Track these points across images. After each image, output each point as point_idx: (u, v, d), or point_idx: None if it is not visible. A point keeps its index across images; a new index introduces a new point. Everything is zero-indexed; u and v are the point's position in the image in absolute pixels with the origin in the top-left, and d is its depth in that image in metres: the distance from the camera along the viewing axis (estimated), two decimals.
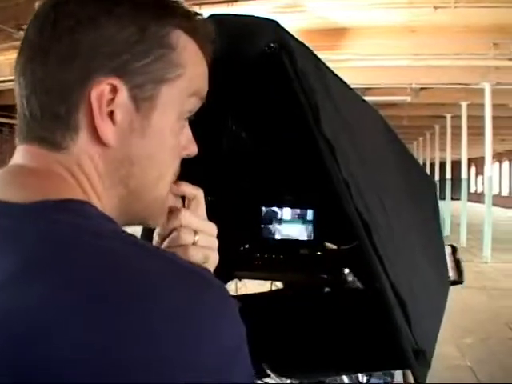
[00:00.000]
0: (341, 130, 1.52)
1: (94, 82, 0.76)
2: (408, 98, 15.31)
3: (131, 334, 0.60)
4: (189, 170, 1.70)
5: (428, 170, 28.57)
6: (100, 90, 0.76)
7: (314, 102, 1.34)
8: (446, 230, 21.38)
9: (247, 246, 2.52)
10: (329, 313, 2.21)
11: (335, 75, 1.73)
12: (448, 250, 2.77)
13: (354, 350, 2.02)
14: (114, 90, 0.77)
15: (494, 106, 15.04)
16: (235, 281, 2.94)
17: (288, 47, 1.31)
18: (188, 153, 0.91)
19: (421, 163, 32.09)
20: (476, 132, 16.58)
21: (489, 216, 14.94)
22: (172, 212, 0.94)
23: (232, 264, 2.45)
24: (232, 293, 2.90)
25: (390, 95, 15.18)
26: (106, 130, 0.77)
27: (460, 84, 14.45)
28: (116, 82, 0.77)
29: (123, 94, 0.77)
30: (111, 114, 0.78)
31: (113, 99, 0.77)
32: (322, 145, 1.37)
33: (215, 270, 0.94)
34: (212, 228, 0.99)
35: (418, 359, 1.55)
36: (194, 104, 0.87)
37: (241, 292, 2.58)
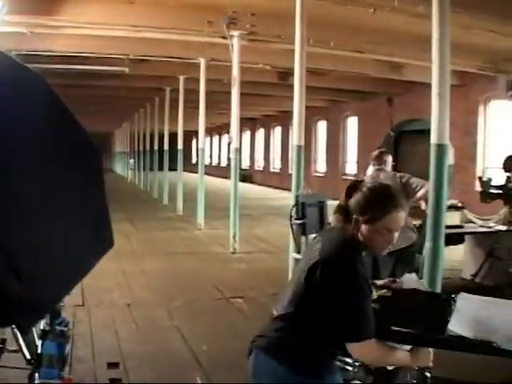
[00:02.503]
0: None
1: None
2: (126, 69, 15.45)
3: None
4: None
5: (148, 142, 29.10)
6: None
7: None
8: (165, 200, 22.16)
9: None
10: None
11: None
12: None
13: None
14: None
15: (211, 81, 15.80)
16: None
17: None
18: None
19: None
20: (196, 105, 17.23)
21: (202, 186, 15.75)
22: None
23: None
24: None
25: (108, 65, 15.17)
26: None
27: (178, 58, 14.92)
28: None
29: None
30: None
31: None
32: None
33: None
34: None
35: (24, 310, 1.65)
36: None
37: None
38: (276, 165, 35.12)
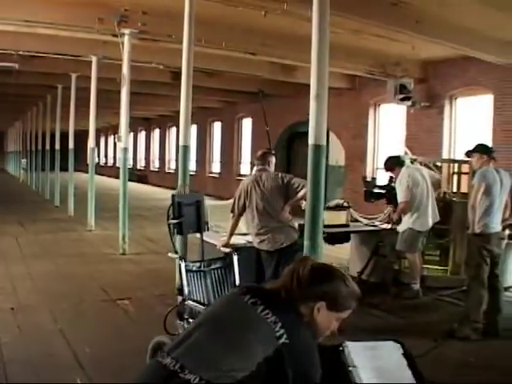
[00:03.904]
0: None
1: None
2: (16, 65, 14.97)
3: None
4: None
5: (40, 141, 28.28)
6: None
7: None
8: (56, 201, 21.61)
9: None
10: None
11: None
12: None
13: None
14: None
15: (105, 80, 15.53)
16: None
17: None
18: None
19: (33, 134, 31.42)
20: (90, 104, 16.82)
21: (92, 186, 15.57)
22: None
23: None
24: None
25: None
26: None
27: (70, 55, 14.55)
28: None
29: None
30: None
31: None
32: None
33: None
34: None
35: None
36: None
37: None
38: (172, 165, 34.88)
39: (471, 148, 7.28)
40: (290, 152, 21.84)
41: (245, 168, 26.10)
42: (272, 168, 6.99)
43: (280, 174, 6.85)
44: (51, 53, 14.14)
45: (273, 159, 7.02)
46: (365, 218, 9.81)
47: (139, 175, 38.25)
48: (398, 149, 15.17)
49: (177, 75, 16.75)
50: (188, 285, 4.93)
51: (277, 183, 6.74)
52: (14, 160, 49.46)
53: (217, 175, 28.74)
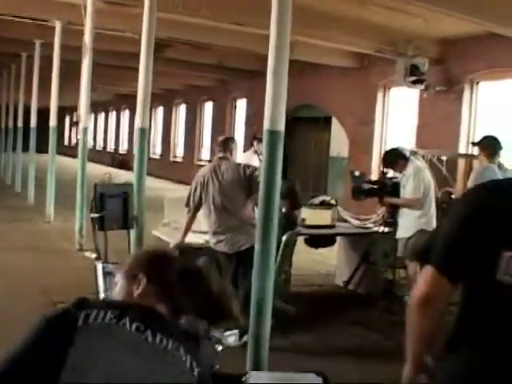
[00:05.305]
0: None
1: None
2: None
3: None
4: None
5: (4, 118, 27.87)
6: None
7: None
8: (17, 187, 21.37)
9: None
10: None
11: None
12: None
13: None
14: None
15: (75, 49, 15.09)
16: None
17: None
18: None
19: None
20: (65, 76, 16.25)
21: (52, 169, 15.26)
22: None
23: None
24: None
25: None
26: None
27: (30, 18, 14.13)
28: None
29: None
30: None
31: None
32: None
33: None
34: None
35: None
36: None
37: None
38: (157, 150, 34.47)
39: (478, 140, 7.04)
40: (289, 141, 21.55)
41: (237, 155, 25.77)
42: (234, 156, 6.77)
43: (243, 165, 6.64)
44: (8, 15, 13.74)
45: (236, 146, 6.81)
46: (355, 219, 9.50)
47: (121, 160, 38.00)
48: (408, 140, 14.94)
49: (159, 47, 16.51)
50: (106, 290, 4.65)
51: (238, 175, 6.51)
52: None
53: (206, 163, 28.43)
